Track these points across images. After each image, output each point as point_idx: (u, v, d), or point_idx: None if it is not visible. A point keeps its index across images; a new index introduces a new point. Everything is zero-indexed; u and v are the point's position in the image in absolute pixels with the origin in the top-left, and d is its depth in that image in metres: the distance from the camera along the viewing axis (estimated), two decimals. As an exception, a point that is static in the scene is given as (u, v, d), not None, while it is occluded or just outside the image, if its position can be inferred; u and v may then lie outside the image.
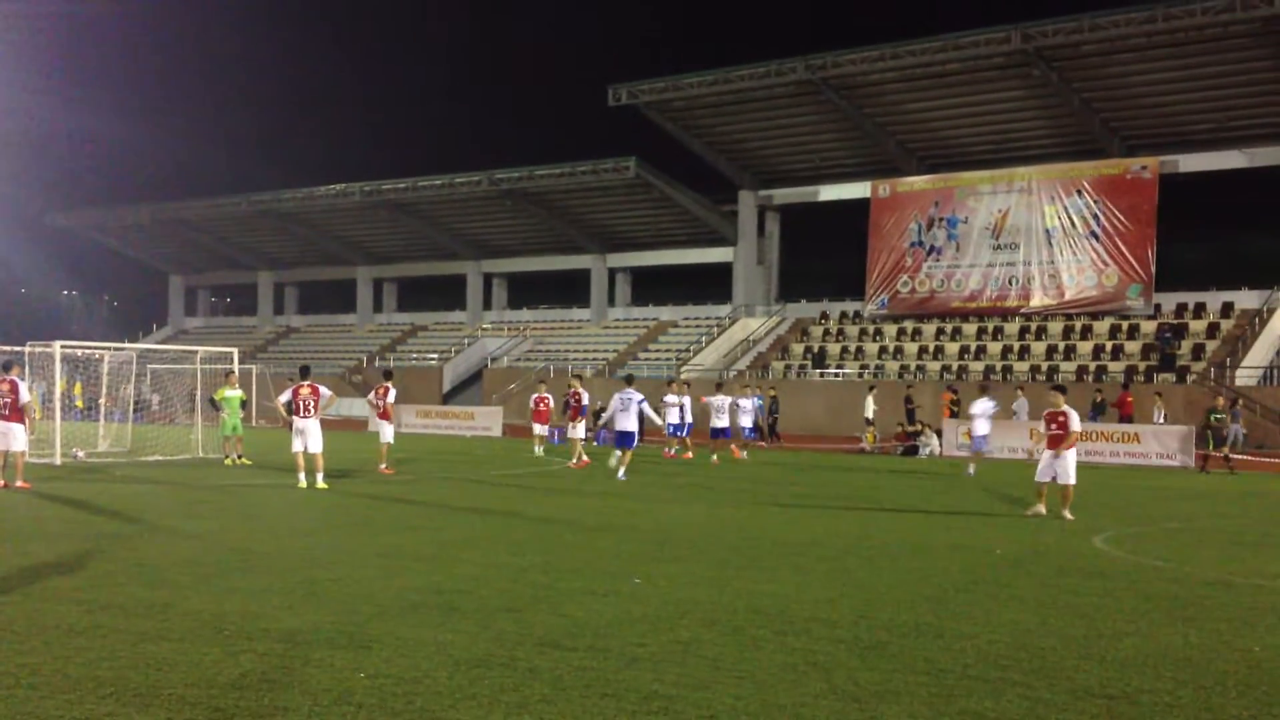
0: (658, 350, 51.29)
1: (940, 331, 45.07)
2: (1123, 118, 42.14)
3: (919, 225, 45.78)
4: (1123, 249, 41.64)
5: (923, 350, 44.28)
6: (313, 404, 17.65)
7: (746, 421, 28.07)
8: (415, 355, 57.70)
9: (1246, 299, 41.75)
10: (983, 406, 23.88)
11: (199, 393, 27.16)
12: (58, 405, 24.97)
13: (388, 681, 6.03)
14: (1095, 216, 42.10)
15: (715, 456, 26.56)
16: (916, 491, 19.22)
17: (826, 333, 47.85)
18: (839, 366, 44.31)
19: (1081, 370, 39.34)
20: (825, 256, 54.73)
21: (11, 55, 62.39)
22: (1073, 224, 42.58)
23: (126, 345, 33.07)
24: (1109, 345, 40.91)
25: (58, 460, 22.25)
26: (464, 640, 6.99)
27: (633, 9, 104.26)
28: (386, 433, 21.97)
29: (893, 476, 22.76)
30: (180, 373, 30.30)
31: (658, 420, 24.41)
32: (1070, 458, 14.96)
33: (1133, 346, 40.42)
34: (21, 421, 17.36)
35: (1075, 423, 15.09)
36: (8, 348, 23.02)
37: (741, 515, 14.87)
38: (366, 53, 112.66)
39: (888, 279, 46.51)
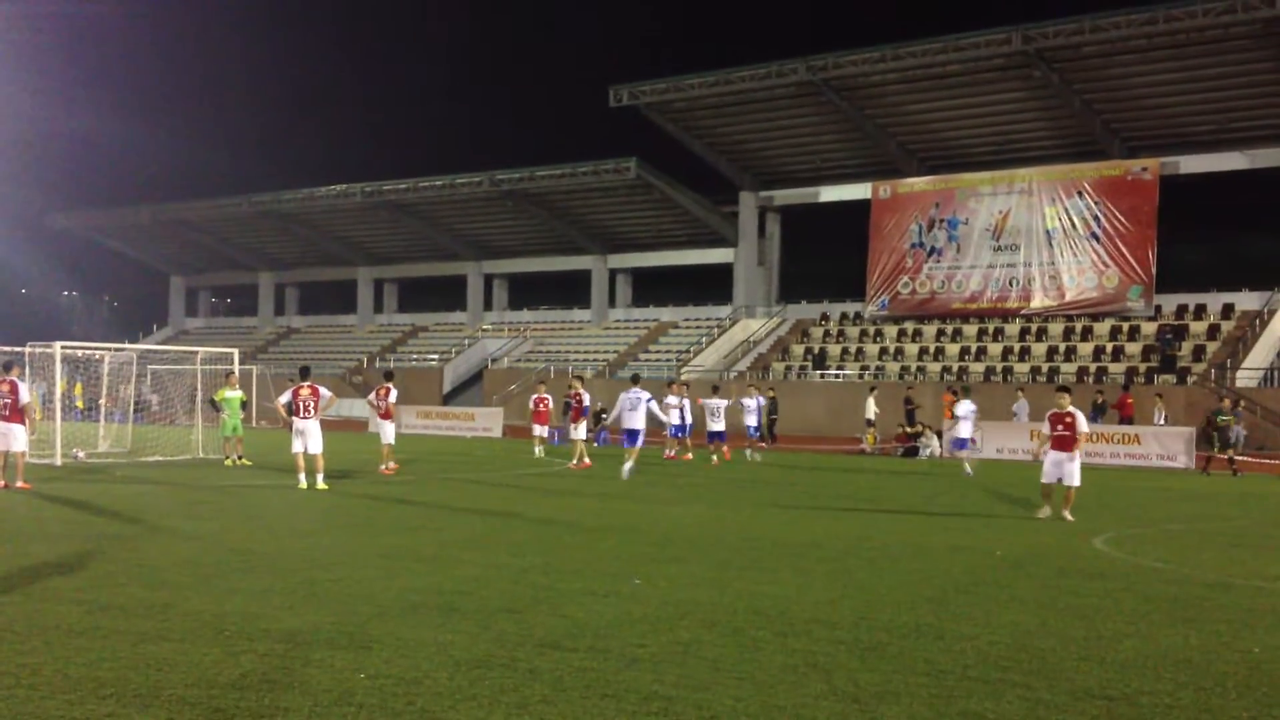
0: (658, 351, 51.30)
1: (941, 333, 45.06)
2: (1123, 119, 42.15)
3: (919, 226, 45.79)
4: (1123, 250, 41.64)
5: (923, 351, 44.28)
6: (313, 405, 17.65)
7: (751, 421, 28.09)
8: (416, 356, 57.71)
9: (1247, 300, 41.75)
10: (964, 409, 24.02)
11: (199, 394, 27.17)
12: (58, 406, 24.99)
13: (388, 682, 6.03)
14: (1096, 218, 42.10)
15: (715, 457, 26.60)
16: (917, 493, 19.22)
17: (827, 334, 47.85)
18: (839, 367, 44.31)
19: (1082, 372, 39.33)
20: (826, 257, 54.74)
21: (12, 56, 62.47)
22: (1073, 225, 42.58)
23: (127, 346, 33.08)
24: (1109, 347, 40.90)
25: (58, 461, 22.27)
26: (464, 641, 6.99)
27: (634, 9, 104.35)
28: (388, 433, 21.98)
29: (893, 478, 22.76)
30: (180, 373, 30.30)
31: (664, 419, 24.66)
32: (1076, 459, 14.93)
33: (1133, 348, 40.42)
34: (22, 422, 17.37)
35: (1083, 424, 15.06)
36: (8, 348, 23.02)
37: (742, 516, 14.87)
38: (366, 53, 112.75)
39: (888, 280, 46.51)
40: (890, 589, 9.22)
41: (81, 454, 24.16)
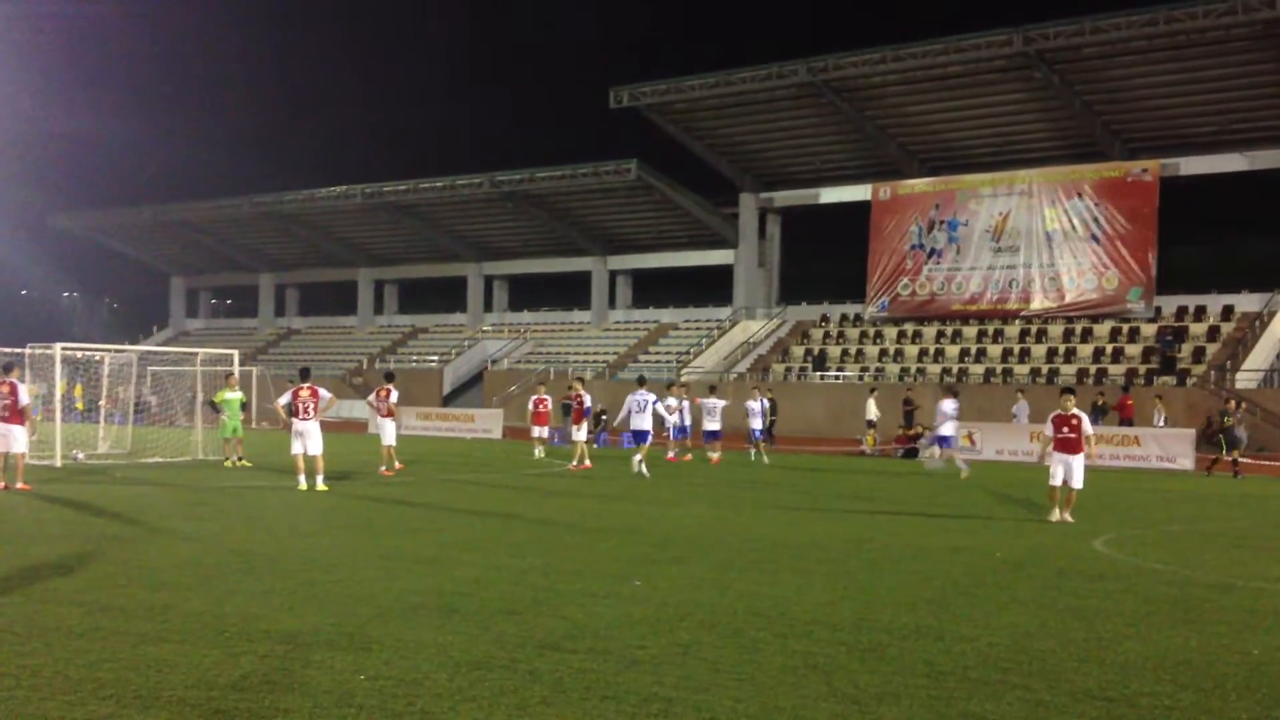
0: (658, 352, 51.29)
1: (941, 334, 45.06)
2: (1124, 120, 42.16)
3: (919, 228, 45.79)
4: (1123, 252, 41.63)
5: (923, 353, 44.28)
6: (312, 406, 17.65)
7: (757, 424, 28.12)
8: (416, 357, 57.71)
9: (1247, 302, 41.75)
10: (949, 407, 24.14)
11: (199, 395, 27.18)
12: (58, 407, 25.00)
13: (388, 683, 6.04)
14: (1096, 219, 42.10)
15: (716, 455, 26.62)
16: (917, 494, 19.21)
17: (827, 335, 47.85)
18: (839, 369, 44.30)
19: (1082, 373, 39.32)
20: (826, 259, 54.70)
21: (13, 57, 62.50)
22: (1073, 227, 42.58)
23: (127, 347, 33.08)
24: (1109, 348, 40.90)
25: (58, 462, 22.26)
26: (464, 642, 6.99)
27: (634, 10, 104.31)
28: (388, 435, 21.92)
29: (893, 479, 22.76)
30: (180, 375, 30.31)
31: (671, 419, 24.96)
32: (1082, 461, 14.93)
33: (1133, 349, 40.42)
34: (22, 423, 17.38)
35: (1089, 426, 15.06)
36: (8, 349, 23.02)
37: (742, 517, 14.88)
38: (366, 53, 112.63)
39: (888, 281, 46.52)
40: (890, 590, 9.22)
41: (81, 455, 24.16)
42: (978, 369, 41.71)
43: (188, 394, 29.80)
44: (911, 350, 44.66)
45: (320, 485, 17.42)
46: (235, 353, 27.71)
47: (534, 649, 6.85)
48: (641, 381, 23.55)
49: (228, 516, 13.99)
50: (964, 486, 21.00)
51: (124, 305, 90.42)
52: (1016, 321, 43.98)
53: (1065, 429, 14.84)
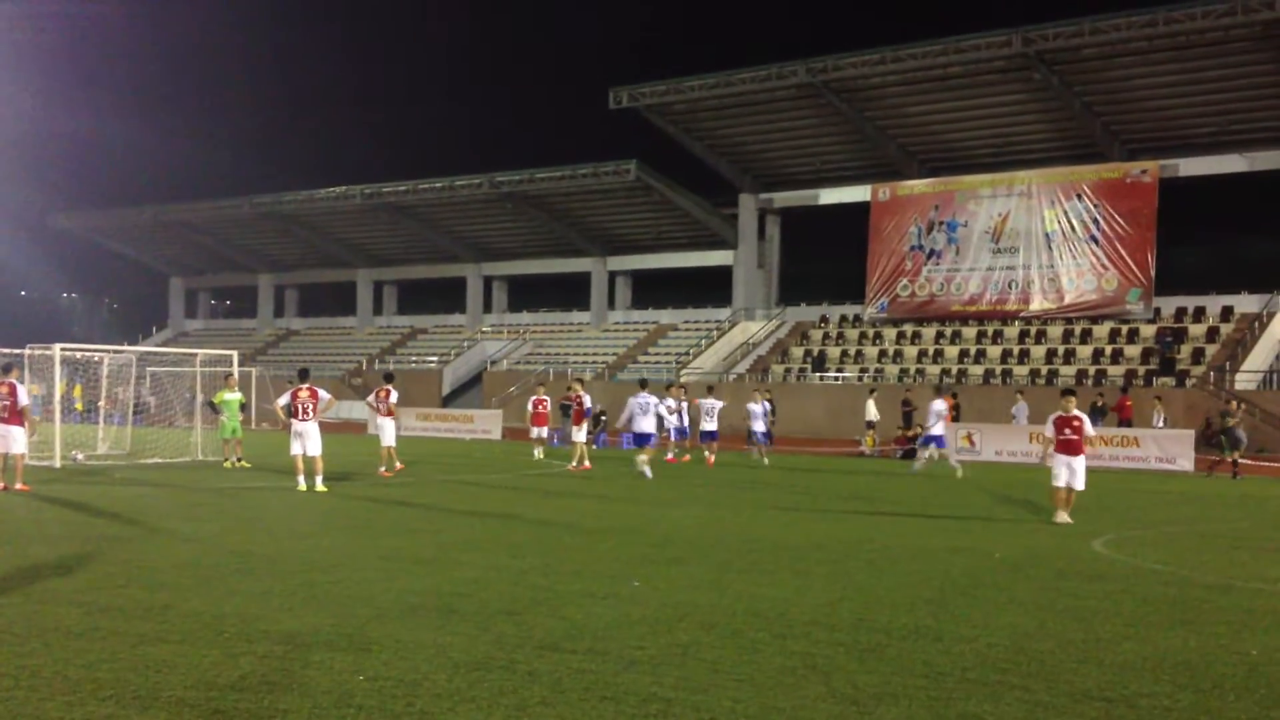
0: (658, 353, 51.30)
1: (940, 335, 45.07)
2: (1123, 121, 42.18)
3: (919, 229, 45.80)
4: (1122, 253, 41.65)
5: (922, 354, 44.29)
6: (312, 407, 17.65)
7: (760, 427, 28.13)
8: (415, 358, 57.71)
9: (1246, 303, 41.77)
10: (939, 407, 24.23)
11: (199, 396, 27.17)
12: (57, 408, 24.99)
13: (387, 684, 6.04)
14: (1095, 220, 42.12)
15: (712, 457, 26.62)
16: (916, 495, 19.22)
17: (826, 336, 47.86)
18: (839, 370, 44.30)
19: (1081, 374, 39.33)
20: (825, 260, 54.74)
21: (12, 56, 62.48)
22: (1072, 228, 42.59)
23: (126, 348, 33.08)
24: (1108, 349, 40.91)
25: (57, 463, 22.26)
26: (463, 643, 6.99)
27: (634, 10, 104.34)
28: (388, 435, 21.90)
29: (892, 480, 22.76)
30: (180, 375, 30.31)
31: (673, 421, 25.04)
32: (1083, 463, 14.93)
33: (1132, 350, 40.43)
34: (21, 424, 17.37)
35: (1090, 427, 15.08)
36: (7, 350, 23.03)
37: (741, 518, 14.88)
38: (366, 53, 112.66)
39: (887, 282, 46.53)
40: (889, 591, 9.23)
41: (80, 456, 24.15)
42: (977, 370, 41.72)
43: (186, 395, 29.81)
44: (911, 351, 44.67)
45: (319, 486, 17.42)
46: (234, 353, 27.71)
47: (533, 649, 6.85)
48: (644, 384, 23.64)
49: (227, 517, 13.99)
50: (963, 487, 21.00)
51: (123, 306, 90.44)
52: (1016, 322, 44.00)
53: (1067, 430, 14.84)
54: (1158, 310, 42.02)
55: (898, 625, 7.81)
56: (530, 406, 29.09)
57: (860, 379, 42.42)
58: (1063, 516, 14.75)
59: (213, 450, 24.84)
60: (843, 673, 6.46)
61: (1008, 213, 43.96)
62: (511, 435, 37.57)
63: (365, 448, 27.33)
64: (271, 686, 5.95)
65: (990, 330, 44.20)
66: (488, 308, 62.47)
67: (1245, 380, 36.45)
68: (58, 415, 24.53)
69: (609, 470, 23.57)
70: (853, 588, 9.35)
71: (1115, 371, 39.03)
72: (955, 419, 32.68)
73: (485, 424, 39.42)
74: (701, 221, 52.86)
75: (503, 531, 12.90)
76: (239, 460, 22.93)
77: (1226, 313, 41.32)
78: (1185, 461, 27.19)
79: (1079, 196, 42.51)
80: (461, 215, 58.16)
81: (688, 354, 49.24)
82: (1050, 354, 41.76)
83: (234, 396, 23.68)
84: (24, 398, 17.50)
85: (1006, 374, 40.79)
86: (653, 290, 59.28)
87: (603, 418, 33.75)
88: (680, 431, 28.09)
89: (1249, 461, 27.32)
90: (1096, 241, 42.09)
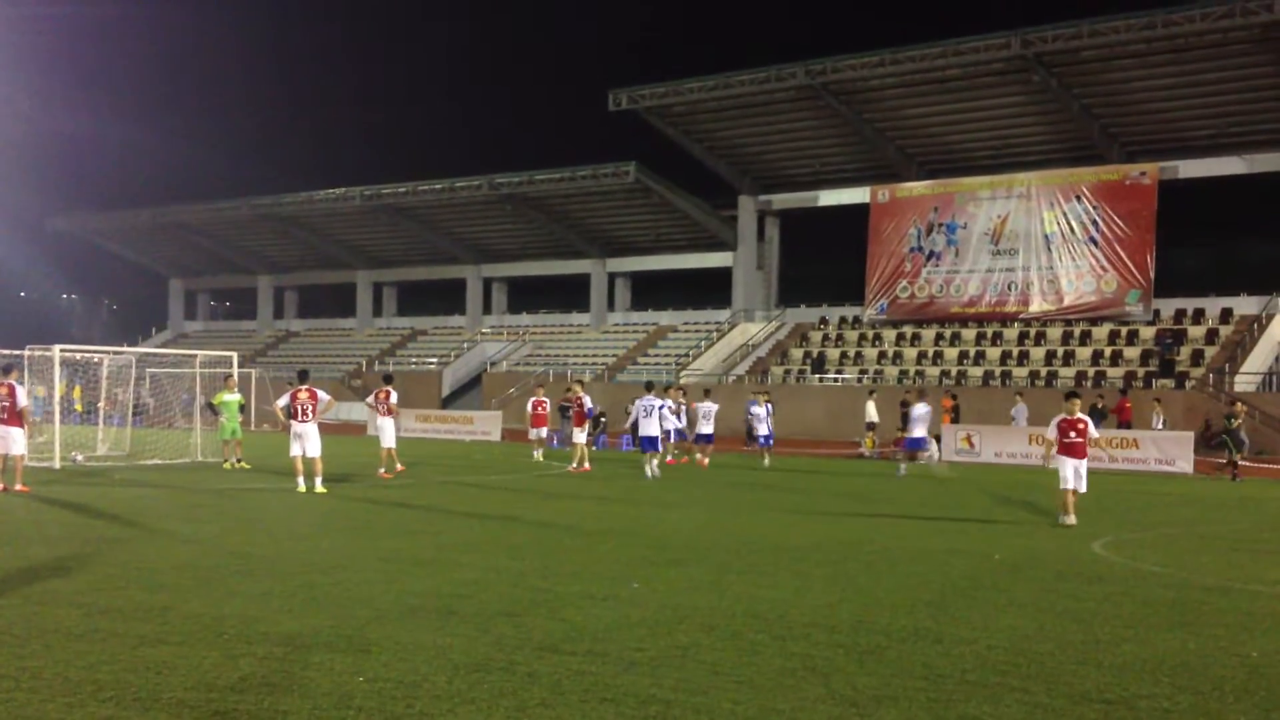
0: (657, 355, 51.31)
1: (939, 337, 45.09)
2: (1122, 123, 42.21)
3: (918, 230, 45.83)
4: (1122, 255, 41.67)
5: (922, 355, 44.30)
6: (311, 408, 17.65)
7: (762, 428, 28.12)
8: (415, 360, 57.71)
9: (1245, 305, 41.80)
10: (921, 410, 24.28)
11: (198, 397, 27.17)
12: (57, 409, 24.98)
13: (387, 685, 6.04)
14: (1094, 222, 42.15)
15: (704, 459, 26.59)
16: (915, 496, 19.22)
17: (826, 338, 47.87)
18: (838, 372, 44.31)
19: (1080, 376, 39.36)
20: (824, 261, 54.76)
21: (12, 57, 62.49)
22: (1072, 230, 42.62)
23: (126, 349, 33.08)
24: (1108, 351, 40.93)
25: (56, 464, 22.26)
26: (463, 644, 7.00)
27: (633, 12, 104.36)
28: (388, 436, 21.89)
29: (892, 481, 22.75)
30: (179, 377, 30.32)
31: (677, 423, 25.12)
32: (1085, 466, 14.95)
33: (1132, 352, 40.45)
34: (21, 425, 17.37)
35: (1094, 430, 15.12)
36: (7, 351, 23.04)
37: (740, 520, 14.88)
38: (366, 53, 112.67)
39: (887, 284, 46.54)
40: (889, 593, 9.23)
41: (80, 457, 24.15)
42: (976, 371, 41.74)
43: (184, 396, 29.81)
44: (910, 353, 44.68)
45: (319, 487, 17.41)
46: (234, 355, 27.71)
47: (532, 651, 6.86)
48: (649, 386, 23.69)
49: (226, 518, 14.00)
50: (964, 489, 20.98)
51: (123, 307, 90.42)
52: (1015, 324, 44.02)
53: (1072, 433, 14.85)
54: (1157, 312, 42.05)
55: (897, 627, 7.82)
56: (530, 408, 29.08)
57: (860, 381, 42.43)
58: (1071, 518, 14.75)
59: (212, 451, 24.83)
60: (842, 674, 6.46)
61: (1007, 214, 43.98)
62: (511, 437, 37.56)
63: (365, 449, 27.32)
64: (271, 688, 5.95)
65: (990, 332, 44.22)
66: (487, 309, 62.48)
67: (1244, 382, 36.47)
68: (57, 416, 24.52)
69: (609, 472, 23.59)
70: (852, 589, 9.35)
71: (1114, 373, 39.04)
72: (955, 420, 32.77)
73: (485, 425, 39.41)
74: (701, 223, 52.88)
75: (502, 533, 12.90)
76: (238, 461, 22.93)
77: (1226, 314, 41.35)
78: (1184, 463, 27.18)
79: (1078, 198, 42.54)
80: (461, 217, 58.18)
81: (687, 355, 49.25)
82: (1049, 356, 41.78)
83: (233, 398, 23.68)
84: (23, 399, 17.50)
85: (1006, 376, 40.80)
86: (652, 292, 59.34)
87: (602, 419, 33.74)
88: (679, 433, 28.07)
89: (1248, 463, 27.31)
90: (1096, 243, 42.12)
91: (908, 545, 12.40)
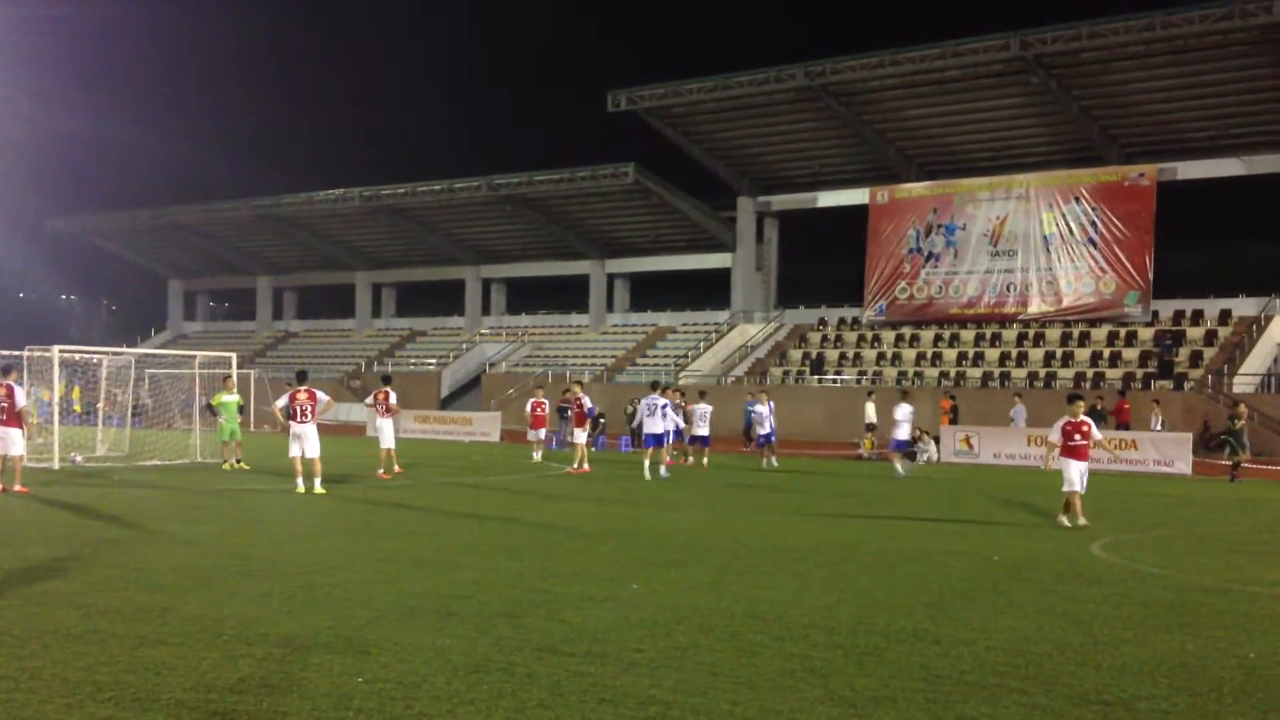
0: (656, 356, 51.32)
1: (938, 338, 45.10)
2: (1121, 125, 42.23)
3: (917, 232, 45.84)
4: (1121, 256, 41.70)
5: (921, 357, 44.31)
6: (310, 409, 17.65)
7: (764, 429, 28.12)
8: (414, 360, 57.72)
9: (1244, 306, 41.82)
10: (903, 412, 24.35)
11: (197, 397, 27.17)
12: (56, 410, 24.97)
13: (386, 686, 6.05)
14: (1093, 224, 42.17)
15: (698, 459, 26.60)
16: (915, 498, 19.22)
17: (825, 339, 47.88)
18: (837, 373, 44.32)
19: (1079, 377, 39.37)
20: (824, 263, 54.80)
21: (12, 57, 62.49)
22: (1071, 231, 42.64)
23: (125, 350, 33.08)
24: (1107, 352, 40.94)
25: (56, 465, 22.25)
26: (462, 645, 7.00)
27: (633, 13, 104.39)
28: (387, 437, 21.88)
29: (891, 483, 22.76)
30: (178, 377, 30.31)
31: (681, 424, 25.16)
32: (1087, 468, 14.95)
33: (1130, 354, 40.46)
34: (19, 426, 17.37)
35: (1097, 432, 15.14)
36: (6, 352, 23.04)
37: (739, 521, 14.88)
38: (366, 54, 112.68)
39: (886, 285, 46.56)
40: (887, 594, 9.23)
41: (79, 458, 24.14)
42: (975, 372, 41.76)
43: (182, 396, 29.80)
44: (909, 354, 44.70)
45: (318, 488, 17.41)
46: (233, 355, 27.70)
47: (532, 652, 6.86)
48: (654, 385, 23.74)
49: (226, 519, 13.99)
50: (963, 490, 20.98)
51: (122, 308, 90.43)
52: (1014, 325, 44.04)
53: (1076, 436, 14.86)
54: (1156, 313, 42.07)
55: (896, 628, 7.82)
56: (529, 409, 29.08)
57: (859, 382, 42.44)
58: (1081, 520, 14.73)
59: (211, 452, 24.83)
60: (841, 675, 6.47)
61: (1006, 216, 44.00)
62: (510, 438, 37.56)
63: (364, 450, 27.32)
64: (271, 689, 5.96)
65: (989, 333, 44.24)
66: (486, 310, 62.49)
67: (1243, 383, 36.50)
68: (56, 417, 24.52)
69: (608, 472, 23.59)
70: (851, 591, 9.36)
71: (1113, 374, 39.06)
72: (953, 421, 32.78)
73: (484, 426, 39.40)
74: (700, 224, 52.89)
75: (501, 534, 12.90)
76: (238, 462, 22.93)
77: (1224, 316, 41.37)
78: (1183, 465, 27.18)
79: (1077, 200, 42.56)
80: (460, 217, 58.19)
81: (686, 356, 49.26)
82: (1048, 357, 41.79)
83: (232, 399, 23.68)
84: (21, 399, 17.50)
85: (1005, 377, 40.81)
86: (651, 293, 59.39)
87: (602, 420, 33.73)
88: (677, 434, 28.06)
89: (1246, 464, 27.29)
90: (1095, 244, 42.14)
91: (906, 546, 12.40)
